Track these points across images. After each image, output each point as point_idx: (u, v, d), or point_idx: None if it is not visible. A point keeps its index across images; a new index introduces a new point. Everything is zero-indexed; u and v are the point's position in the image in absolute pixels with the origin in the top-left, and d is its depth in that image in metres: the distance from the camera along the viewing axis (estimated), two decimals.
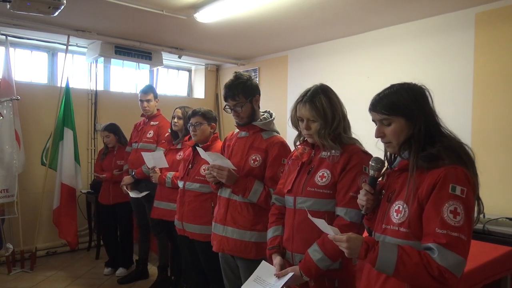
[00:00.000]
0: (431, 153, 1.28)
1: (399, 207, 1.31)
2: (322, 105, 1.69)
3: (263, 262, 1.86)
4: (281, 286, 1.65)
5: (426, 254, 1.20)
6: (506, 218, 2.89)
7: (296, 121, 1.78)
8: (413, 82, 1.40)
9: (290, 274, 1.66)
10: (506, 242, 2.59)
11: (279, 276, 1.69)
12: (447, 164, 1.25)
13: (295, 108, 1.76)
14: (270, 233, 1.88)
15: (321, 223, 1.42)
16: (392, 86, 1.39)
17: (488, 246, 2.49)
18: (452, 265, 1.17)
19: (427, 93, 1.38)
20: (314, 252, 1.62)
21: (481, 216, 2.84)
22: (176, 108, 3.34)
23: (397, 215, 1.31)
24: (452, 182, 1.22)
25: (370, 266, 1.37)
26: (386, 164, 1.48)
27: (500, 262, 2.32)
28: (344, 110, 1.77)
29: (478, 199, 1.31)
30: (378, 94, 1.40)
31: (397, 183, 1.38)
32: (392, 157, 1.47)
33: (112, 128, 4.02)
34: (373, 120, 1.42)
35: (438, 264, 1.17)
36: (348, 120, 1.78)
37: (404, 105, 1.33)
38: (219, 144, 2.74)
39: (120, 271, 3.98)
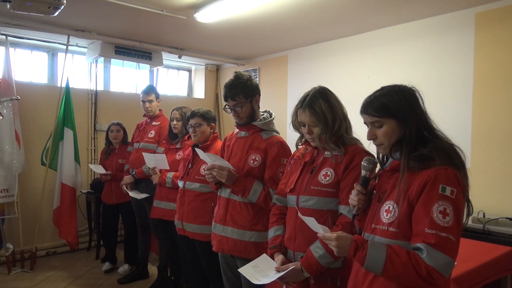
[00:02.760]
0: (422, 154, 1.29)
1: (389, 207, 1.32)
2: (321, 110, 1.70)
3: (264, 254, 1.87)
4: (278, 277, 1.66)
5: (414, 254, 1.20)
6: (506, 218, 2.89)
7: (298, 125, 1.80)
8: (404, 84, 1.40)
9: (290, 267, 1.67)
10: (506, 242, 2.59)
11: (279, 271, 1.70)
12: (438, 165, 1.26)
13: (295, 113, 1.78)
14: (272, 232, 1.88)
15: (311, 222, 1.44)
16: (383, 88, 1.40)
17: (488, 246, 2.49)
18: (440, 265, 1.17)
19: (417, 95, 1.38)
20: (316, 249, 1.65)
21: (481, 216, 2.87)
22: (173, 110, 3.33)
23: (387, 215, 1.32)
24: (442, 183, 1.22)
25: (358, 266, 1.37)
26: (378, 165, 1.48)
27: (500, 262, 2.32)
28: (345, 111, 1.79)
29: (468, 201, 1.31)
30: (369, 97, 1.40)
31: (388, 183, 1.39)
32: (385, 158, 1.47)
33: (122, 125, 4.12)
34: (364, 123, 1.43)
35: (426, 264, 1.17)
36: (349, 120, 1.79)
37: (395, 107, 1.34)
38: (219, 143, 2.74)
39: (124, 268, 3.99)
